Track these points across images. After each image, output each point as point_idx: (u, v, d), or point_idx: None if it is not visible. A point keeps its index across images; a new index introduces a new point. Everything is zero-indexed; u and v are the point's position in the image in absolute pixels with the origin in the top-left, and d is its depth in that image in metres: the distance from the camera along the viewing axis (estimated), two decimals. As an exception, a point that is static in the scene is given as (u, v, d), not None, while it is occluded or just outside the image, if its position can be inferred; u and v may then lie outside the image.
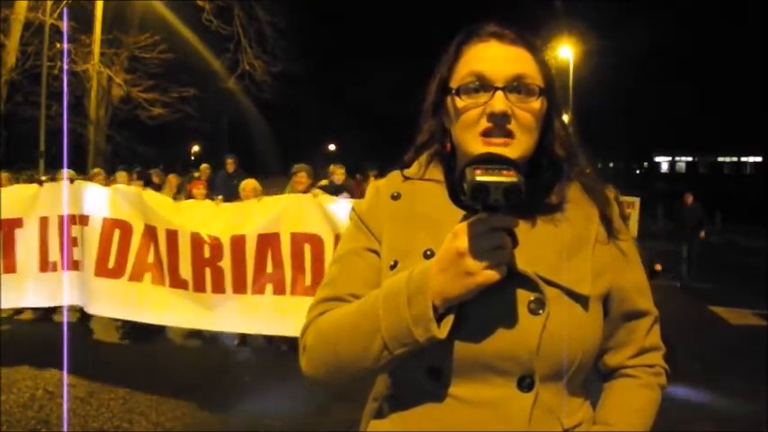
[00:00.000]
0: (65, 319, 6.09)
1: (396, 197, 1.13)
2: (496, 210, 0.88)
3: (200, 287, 5.00)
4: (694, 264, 11.24)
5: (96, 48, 19.55)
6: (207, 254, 4.98)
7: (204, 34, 21.06)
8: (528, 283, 0.99)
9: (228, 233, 4.97)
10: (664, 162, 64.16)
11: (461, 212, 1.03)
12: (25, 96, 18.75)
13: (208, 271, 4.97)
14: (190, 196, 7.06)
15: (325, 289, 1.12)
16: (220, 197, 6.24)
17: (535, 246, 1.02)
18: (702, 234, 11.38)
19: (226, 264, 4.94)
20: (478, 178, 0.87)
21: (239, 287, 4.92)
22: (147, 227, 5.21)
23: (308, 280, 4.78)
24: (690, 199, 11.49)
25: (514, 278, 0.96)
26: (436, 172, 1.14)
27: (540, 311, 0.98)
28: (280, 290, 4.84)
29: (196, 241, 5.00)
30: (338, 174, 8.64)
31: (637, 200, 9.70)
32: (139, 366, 5.62)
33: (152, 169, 10.70)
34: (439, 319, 0.94)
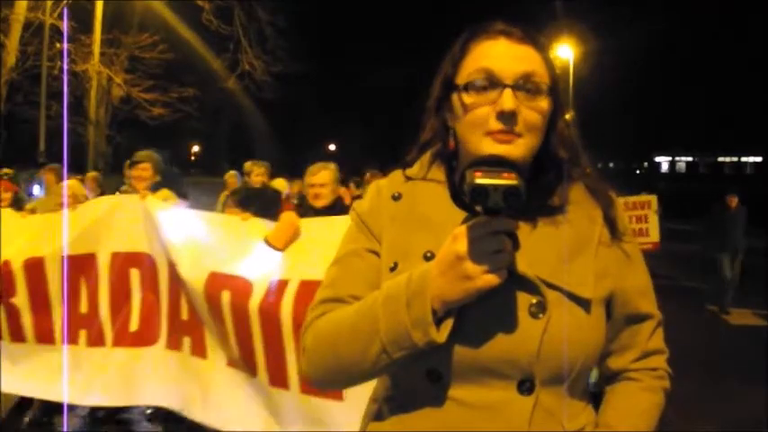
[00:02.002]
0: None
1: (396, 198, 1.11)
2: (497, 212, 0.87)
3: None
4: (737, 287, 9.01)
5: (96, 48, 19.52)
6: None
7: (204, 34, 21.05)
8: (529, 286, 0.97)
9: (22, 256, 3.60)
10: (664, 162, 64.12)
11: (463, 214, 1.02)
12: (25, 96, 18.71)
13: (1, 310, 3.65)
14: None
15: (325, 290, 1.11)
16: (29, 204, 4.56)
17: (536, 248, 1.01)
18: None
19: (22, 300, 3.60)
20: (478, 181, 0.86)
21: (44, 335, 3.60)
22: None
23: (134, 323, 3.45)
24: (734, 202, 8.97)
25: (515, 281, 0.95)
26: (438, 172, 1.12)
27: (541, 315, 0.97)
28: (96, 339, 3.49)
29: None
30: (256, 173, 6.42)
31: (653, 198, 7.95)
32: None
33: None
34: (438, 322, 0.93)
